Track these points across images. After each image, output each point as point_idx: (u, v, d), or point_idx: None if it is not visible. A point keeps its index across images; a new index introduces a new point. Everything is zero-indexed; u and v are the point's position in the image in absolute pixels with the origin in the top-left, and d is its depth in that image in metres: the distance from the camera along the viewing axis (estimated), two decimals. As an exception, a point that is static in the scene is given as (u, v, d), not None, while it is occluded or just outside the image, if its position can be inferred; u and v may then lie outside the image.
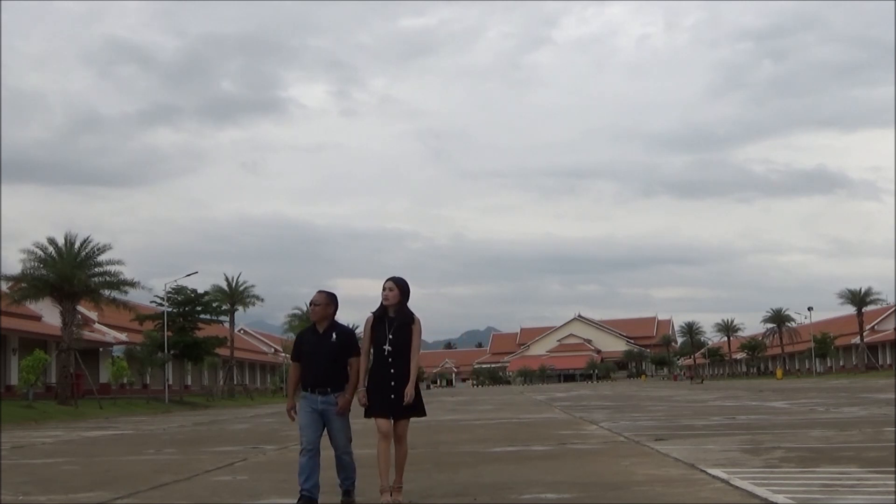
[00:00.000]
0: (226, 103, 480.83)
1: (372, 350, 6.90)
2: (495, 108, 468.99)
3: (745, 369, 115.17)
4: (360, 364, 6.87)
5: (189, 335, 48.43)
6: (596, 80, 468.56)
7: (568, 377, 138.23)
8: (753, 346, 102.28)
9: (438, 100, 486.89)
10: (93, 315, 46.70)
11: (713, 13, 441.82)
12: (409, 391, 6.74)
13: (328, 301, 7.07)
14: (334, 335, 6.98)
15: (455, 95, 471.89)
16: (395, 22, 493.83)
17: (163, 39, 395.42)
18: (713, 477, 7.98)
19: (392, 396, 6.73)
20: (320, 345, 6.95)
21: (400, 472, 6.93)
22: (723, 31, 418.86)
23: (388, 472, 6.82)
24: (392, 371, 6.74)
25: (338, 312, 7.18)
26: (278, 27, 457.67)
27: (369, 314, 6.93)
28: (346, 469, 7.01)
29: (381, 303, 6.86)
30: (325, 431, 6.98)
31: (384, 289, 6.86)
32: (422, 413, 6.93)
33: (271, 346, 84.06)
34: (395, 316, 6.83)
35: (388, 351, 6.75)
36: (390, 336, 6.77)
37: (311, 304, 7.18)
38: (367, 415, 6.83)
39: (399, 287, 6.85)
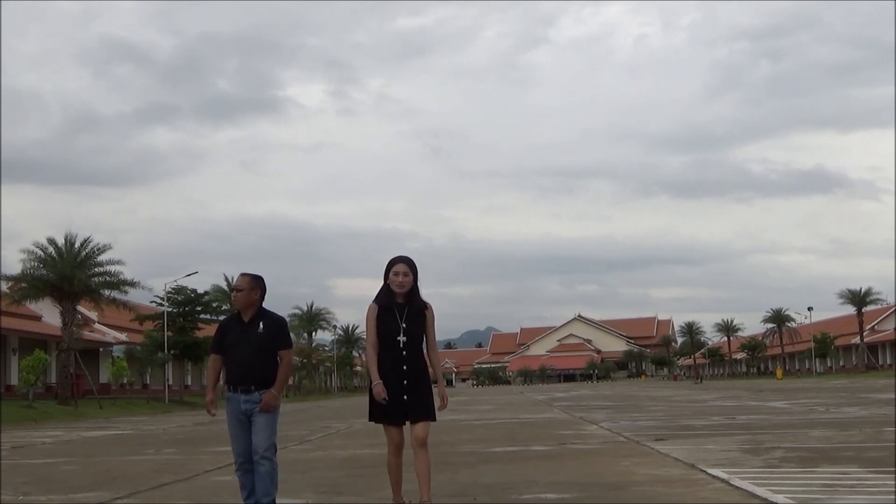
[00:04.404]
0: (223, 103, 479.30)
1: (379, 343, 5.95)
2: (493, 107, 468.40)
3: (745, 369, 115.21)
4: (368, 359, 5.93)
5: (189, 335, 48.43)
6: (593, 79, 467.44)
7: (568, 377, 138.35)
8: (753, 346, 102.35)
9: (436, 99, 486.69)
10: (93, 315, 46.73)
11: (710, 13, 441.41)
12: (443, 392, 5.97)
13: (252, 285, 6.10)
14: (262, 325, 6.05)
15: (452, 95, 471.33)
16: (391, 21, 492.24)
17: (159, 39, 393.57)
18: (713, 477, 7.96)
19: (405, 397, 5.81)
20: (245, 336, 6.01)
21: (426, 486, 5.84)
22: (720, 31, 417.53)
23: (401, 486, 6.01)
24: (405, 367, 5.83)
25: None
26: (275, 26, 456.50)
27: (371, 302, 6.01)
28: (262, 480, 5.90)
29: (387, 288, 5.95)
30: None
31: (396, 273, 5.90)
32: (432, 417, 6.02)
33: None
34: (404, 302, 5.90)
35: (403, 343, 5.83)
36: (404, 325, 5.86)
37: (232, 290, 6.22)
38: (374, 419, 5.95)
39: (413, 270, 5.94)
